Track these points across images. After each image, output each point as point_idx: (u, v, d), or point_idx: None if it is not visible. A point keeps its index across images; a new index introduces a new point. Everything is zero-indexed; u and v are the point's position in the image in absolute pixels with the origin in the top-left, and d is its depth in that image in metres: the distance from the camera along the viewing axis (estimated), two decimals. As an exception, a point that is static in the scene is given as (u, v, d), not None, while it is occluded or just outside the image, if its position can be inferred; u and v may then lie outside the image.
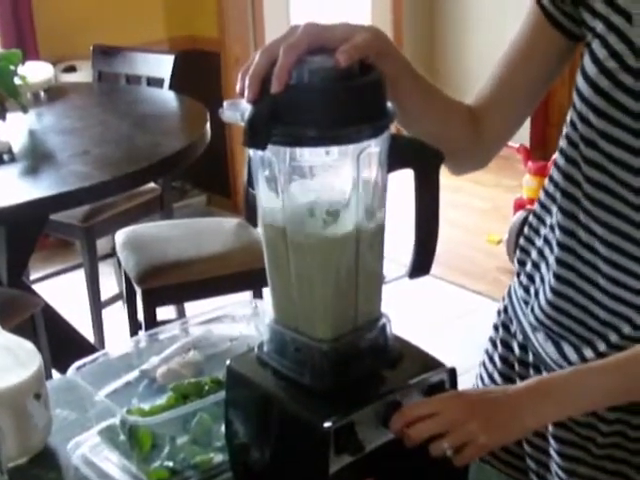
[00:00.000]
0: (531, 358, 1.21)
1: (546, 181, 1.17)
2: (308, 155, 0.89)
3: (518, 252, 1.23)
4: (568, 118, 1.10)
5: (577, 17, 1.06)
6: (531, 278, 1.19)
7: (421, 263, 0.99)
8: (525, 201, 3.96)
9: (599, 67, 1.02)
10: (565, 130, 1.11)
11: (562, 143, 1.12)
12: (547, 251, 1.15)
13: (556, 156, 1.15)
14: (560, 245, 1.12)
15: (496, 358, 1.28)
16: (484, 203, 4.55)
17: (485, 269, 4.04)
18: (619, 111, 1.01)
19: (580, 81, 1.06)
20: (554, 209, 1.14)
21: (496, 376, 1.28)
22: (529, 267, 1.20)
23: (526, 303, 1.20)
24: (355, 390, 0.94)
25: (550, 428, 1.18)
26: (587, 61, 1.04)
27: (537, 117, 4.65)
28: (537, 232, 1.18)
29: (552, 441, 1.19)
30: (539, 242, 1.18)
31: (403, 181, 1.04)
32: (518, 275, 1.23)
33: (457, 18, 5.59)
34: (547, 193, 1.16)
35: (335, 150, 0.88)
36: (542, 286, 1.16)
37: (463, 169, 1.23)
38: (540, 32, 1.11)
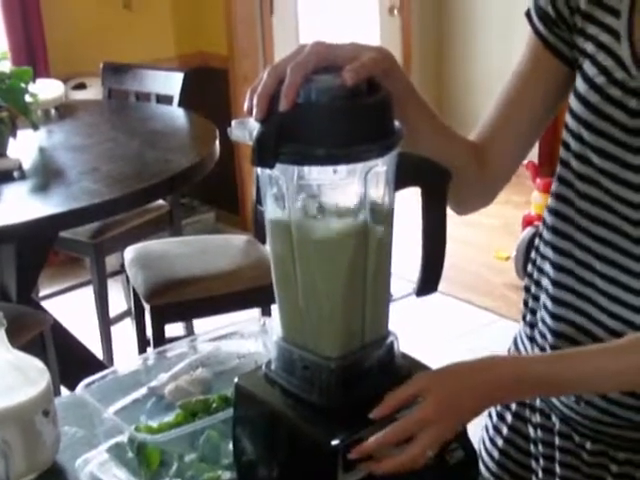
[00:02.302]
0: (538, 403, 1.20)
1: (545, 212, 1.18)
2: (316, 173, 0.89)
3: (526, 279, 1.22)
4: (561, 141, 1.11)
5: (571, 41, 1.08)
6: (535, 304, 1.19)
7: (428, 281, 0.99)
8: (534, 217, 3.96)
9: (589, 83, 1.04)
10: (559, 154, 1.12)
11: (557, 169, 1.13)
12: (544, 276, 1.15)
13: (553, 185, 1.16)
14: (555, 266, 1.12)
15: (507, 415, 1.27)
16: (492, 219, 4.54)
17: (493, 285, 4.03)
18: (609, 124, 1.02)
19: (572, 100, 1.07)
20: (546, 233, 1.14)
21: (508, 417, 1.26)
22: (534, 291, 1.20)
23: (531, 340, 1.20)
24: (363, 408, 0.93)
25: (558, 469, 1.17)
26: (578, 81, 1.06)
27: (546, 134, 4.62)
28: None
29: None
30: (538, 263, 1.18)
31: (411, 198, 1.04)
32: (525, 304, 1.23)
33: (465, 49, 5.62)
34: (543, 220, 1.17)
35: (343, 169, 0.88)
36: (542, 310, 1.16)
37: (467, 206, 1.21)
38: (538, 60, 1.12)
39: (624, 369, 0.98)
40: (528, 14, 1.12)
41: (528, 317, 1.20)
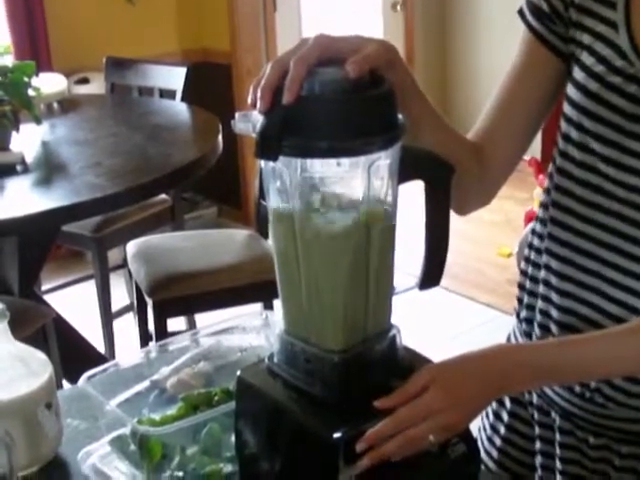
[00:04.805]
0: (536, 400, 1.20)
1: (538, 210, 1.18)
2: (319, 166, 0.89)
3: (520, 276, 1.22)
4: (558, 134, 1.11)
5: (565, 35, 1.09)
6: (533, 299, 1.19)
7: (431, 274, 0.99)
8: (536, 214, 3.96)
9: (588, 72, 1.05)
10: (556, 148, 1.13)
11: (554, 162, 1.13)
12: (542, 271, 1.15)
13: (547, 182, 1.16)
14: (559, 257, 1.12)
15: (503, 414, 1.27)
16: (495, 215, 4.54)
17: (496, 282, 4.03)
18: (609, 110, 1.03)
19: (570, 89, 1.08)
20: (545, 230, 1.15)
21: (504, 415, 1.27)
22: (530, 287, 1.19)
23: (528, 335, 1.20)
24: (365, 401, 0.93)
25: (559, 465, 1.17)
26: (576, 71, 1.07)
27: (548, 130, 4.64)
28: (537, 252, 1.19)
29: (559, 478, 1.18)
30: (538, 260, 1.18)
31: (414, 192, 1.04)
32: (520, 301, 1.22)
33: (468, 44, 5.61)
34: (541, 219, 1.17)
35: (346, 161, 0.88)
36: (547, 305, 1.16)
37: (467, 206, 1.21)
38: (532, 55, 1.12)
39: (626, 353, 0.99)
40: (521, 12, 1.13)
41: (524, 313, 1.21)
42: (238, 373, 1.02)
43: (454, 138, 1.13)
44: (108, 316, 3.17)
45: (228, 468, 1.08)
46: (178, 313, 2.84)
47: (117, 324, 3.25)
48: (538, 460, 1.21)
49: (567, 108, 1.09)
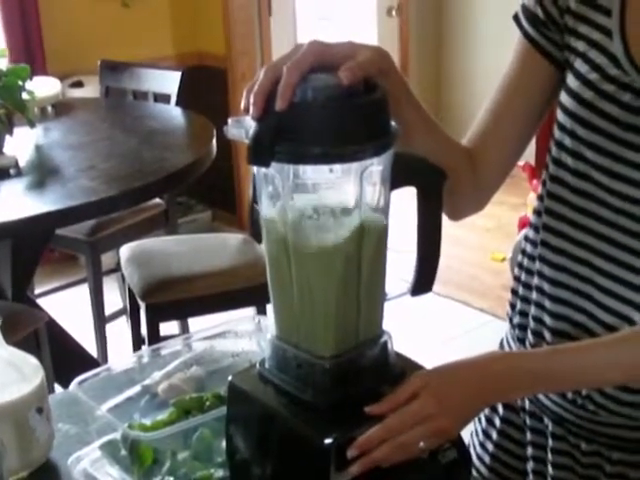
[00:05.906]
0: (528, 405, 1.20)
1: (531, 216, 1.19)
2: (311, 172, 0.89)
3: (514, 282, 1.22)
4: (551, 140, 1.11)
5: (560, 42, 1.09)
6: (526, 306, 1.19)
7: (423, 280, 0.99)
8: (530, 219, 3.96)
9: (582, 80, 1.05)
10: (549, 155, 1.13)
11: (548, 169, 1.13)
12: (535, 277, 1.16)
13: (540, 189, 1.16)
14: (552, 264, 1.12)
15: (496, 420, 1.27)
16: (488, 221, 4.55)
17: (489, 287, 4.03)
18: (602, 119, 1.03)
19: (564, 97, 1.08)
20: (539, 236, 1.15)
21: (496, 421, 1.27)
22: (523, 293, 1.20)
23: (521, 341, 1.20)
24: (356, 407, 0.94)
25: (551, 470, 1.17)
26: (570, 78, 1.07)
27: (542, 135, 4.64)
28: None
29: None
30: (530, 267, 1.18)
31: (406, 198, 1.04)
32: (512, 307, 1.23)
33: (463, 50, 5.62)
34: (534, 226, 1.17)
35: (338, 168, 0.88)
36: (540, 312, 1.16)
37: (461, 212, 1.22)
38: (527, 62, 1.12)
39: (620, 361, 0.99)
40: (516, 17, 1.13)
41: (517, 319, 1.21)
42: (229, 378, 1.02)
43: (448, 144, 1.13)
44: (101, 320, 3.17)
45: (219, 473, 1.08)
46: (171, 317, 2.84)
47: (110, 328, 3.24)
48: (530, 466, 1.21)
49: (560, 115, 1.09)
